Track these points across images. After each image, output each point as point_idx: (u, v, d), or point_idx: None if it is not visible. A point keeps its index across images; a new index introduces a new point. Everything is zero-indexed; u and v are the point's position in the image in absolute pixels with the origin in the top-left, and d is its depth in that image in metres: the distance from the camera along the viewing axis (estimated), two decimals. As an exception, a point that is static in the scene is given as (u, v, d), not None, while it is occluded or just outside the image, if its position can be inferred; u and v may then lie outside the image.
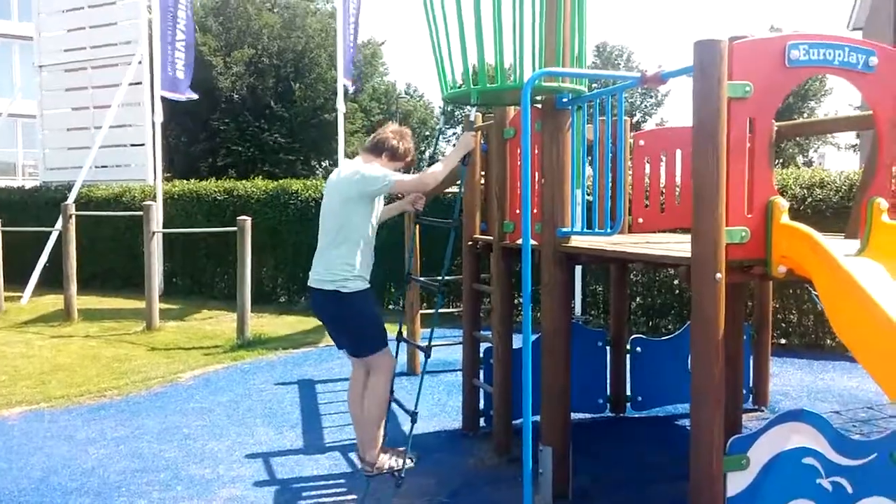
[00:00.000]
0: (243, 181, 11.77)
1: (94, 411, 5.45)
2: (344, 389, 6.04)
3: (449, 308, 8.73)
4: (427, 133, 63.36)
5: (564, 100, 3.43)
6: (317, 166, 35.25)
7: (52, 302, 10.31)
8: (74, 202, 10.52)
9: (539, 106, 3.61)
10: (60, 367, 6.84)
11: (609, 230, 3.33)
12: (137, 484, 4.03)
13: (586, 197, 3.67)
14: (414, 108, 61.72)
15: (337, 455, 4.50)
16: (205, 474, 4.15)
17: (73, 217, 9.35)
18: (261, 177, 12.51)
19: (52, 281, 10.54)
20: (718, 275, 2.60)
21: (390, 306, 10.33)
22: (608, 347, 5.23)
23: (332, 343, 4.17)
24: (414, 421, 3.62)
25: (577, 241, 3.66)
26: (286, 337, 8.21)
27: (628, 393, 5.26)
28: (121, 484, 4.04)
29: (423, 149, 63.61)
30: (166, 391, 6.01)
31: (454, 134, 51.78)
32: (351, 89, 12.45)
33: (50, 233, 10.88)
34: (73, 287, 9.32)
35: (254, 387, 6.13)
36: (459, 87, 3.50)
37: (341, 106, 10.92)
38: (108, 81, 12.70)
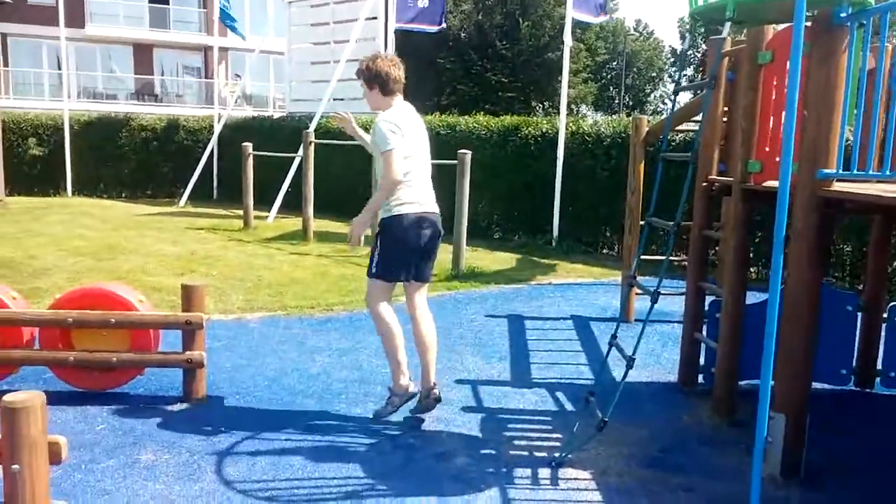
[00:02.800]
0: (465, 117, 11.91)
1: (322, 323, 5.87)
2: (554, 329, 5.98)
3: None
4: (653, 74, 60.06)
5: (843, 14, 2.90)
6: (537, 106, 35.01)
7: (293, 222, 11.30)
8: (314, 131, 11.32)
9: (808, 23, 3.09)
10: (296, 280, 7.46)
11: (890, 172, 2.79)
12: (356, 393, 4.27)
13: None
14: (642, 48, 58.66)
15: (543, 392, 4.43)
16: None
17: (312, 145, 10.07)
18: (482, 114, 12.57)
19: (294, 203, 11.52)
20: None
21: (604, 250, 10.01)
22: (859, 313, 4.56)
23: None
24: (629, 367, 3.41)
25: (842, 186, 3.14)
26: (498, 272, 8.27)
27: (879, 367, 4.59)
28: (341, 391, 4.30)
29: (648, 91, 60.42)
30: (385, 312, 6.31)
31: (686, 76, 48.40)
32: (599, 19, 11.86)
33: (293, 159, 11.85)
34: (310, 209, 10.10)
35: (465, 316, 6.24)
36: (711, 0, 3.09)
37: (568, 39, 10.52)
38: (348, 16, 13.37)
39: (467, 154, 8.10)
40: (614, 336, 3.74)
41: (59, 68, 29.32)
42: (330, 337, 5.47)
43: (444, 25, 12.52)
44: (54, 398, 3.92)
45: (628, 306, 6.12)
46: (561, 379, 4.69)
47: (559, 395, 4.36)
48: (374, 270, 3.80)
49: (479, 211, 10.84)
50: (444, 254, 9.46)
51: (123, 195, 16.37)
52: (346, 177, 12.63)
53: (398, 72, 3.77)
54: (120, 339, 3.98)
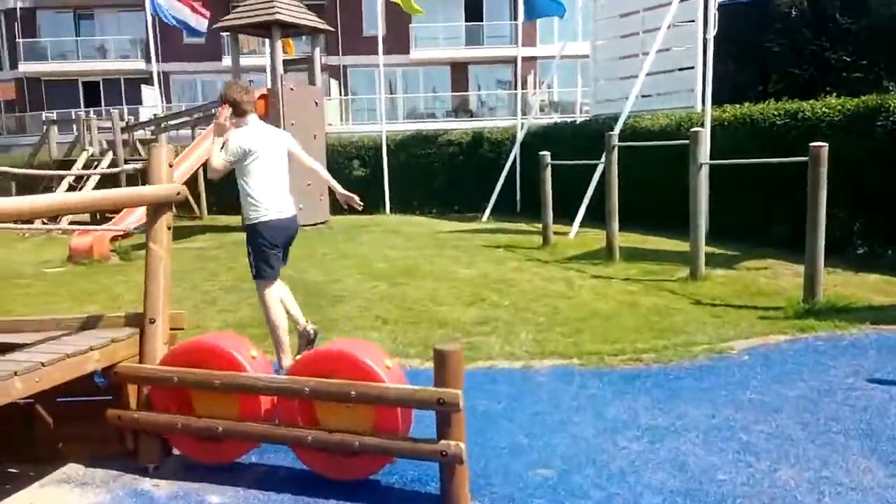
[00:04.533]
0: (810, 101, 9.53)
1: (628, 380, 4.54)
2: None
3: None
4: None
5: None
6: (889, 85, 29.08)
7: (596, 238, 10.07)
8: (619, 133, 9.97)
9: None
10: (597, 313, 6.22)
11: None
12: (676, 517, 2.90)
13: None
14: None
15: None
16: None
17: (616, 149, 8.73)
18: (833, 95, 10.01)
19: (600, 215, 10.30)
20: None
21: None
22: None
23: None
24: None
25: None
26: (872, 306, 6.10)
27: None
28: (653, 510, 2.96)
29: None
30: (714, 365, 4.76)
31: None
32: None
33: (596, 166, 10.63)
34: (615, 223, 8.77)
35: (836, 380, 4.40)
36: None
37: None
38: (658, 2, 11.77)
39: (824, 147, 6.10)
40: None
41: (392, 93, 32.13)
42: (637, 405, 4.12)
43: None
44: (291, 483, 3.21)
45: None
46: None
47: None
48: (258, 274, 4.64)
49: (834, 219, 8.47)
50: (788, 277, 7.52)
51: (434, 211, 16.68)
52: (658, 183, 11.02)
53: (247, 96, 4.62)
54: (364, 416, 3.14)
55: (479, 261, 9.09)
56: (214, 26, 13.66)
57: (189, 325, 6.48)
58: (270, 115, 12.49)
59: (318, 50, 13.22)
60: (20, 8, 32.44)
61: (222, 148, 4.52)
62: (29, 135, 30.38)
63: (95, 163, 15.44)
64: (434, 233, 12.23)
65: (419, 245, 10.71)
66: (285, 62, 14.26)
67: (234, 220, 13.94)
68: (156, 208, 3.54)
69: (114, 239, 10.60)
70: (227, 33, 14.38)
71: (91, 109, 28.58)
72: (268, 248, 4.55)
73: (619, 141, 8.95)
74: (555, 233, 10.34)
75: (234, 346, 3.36)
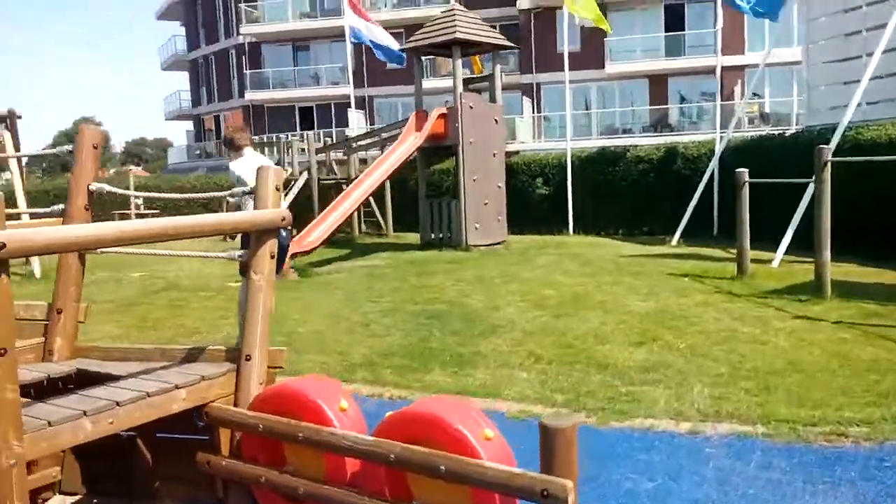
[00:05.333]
0: None
1: (827, 464, 3.52)
2: None
3: None
4: None
5: None
6: None
7: (804, 269, 8.63)
8: (837, 147, 8.49)
9: None
10: (795, 365, 5.11)
11: None
12: None
13: None
14: None
15: None
16: None
17: (829, 165, 7.36)
18: None
19: (808, 242, 8.85)
20: None
21: None
22: None
23: None
24: None
25: None
26: None
27: None
28: None
29: None
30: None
31: None
32: None
33: (806, 185, 9.17)
34: (826, 252, 7.38)
35: None
36: None
37: None
38: (889, -8, 10.02)
39: None
40: None
41: (587, 108, 31.25)
42: (842, 502, 3.12)
43: None
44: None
45: None
46: None
47: None
48: None
49: None
50: None
51: (620, 232, 15.65)
52: (886, 206, 9.28)
53: (241, 133, 6.06)
54: (459, 494, 2.56)
55: (658, 291, 8.11)
56: (400, 48, 13.87)
57: (333, 350, 6.35)
58: (449, 133, 12.36)
59: (498, 67, 12.89)
60: (248, 43, 35.94)
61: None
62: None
63: (293, 182, 16.34)
64: (615, 256, 11.31)
65: (596, 270, 9.89)
66: (471, 80, 14.14)
67: (416, 237, 14.00)
68: (259, 234, 3.25)
69: (293, 256, 10.95)
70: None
71: (305, 132, 30.78)
72: None
73: (835, 155, 7.57)
74: (754, 261, 9.02)
75: (323, 395, 2.94)
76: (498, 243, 12.83)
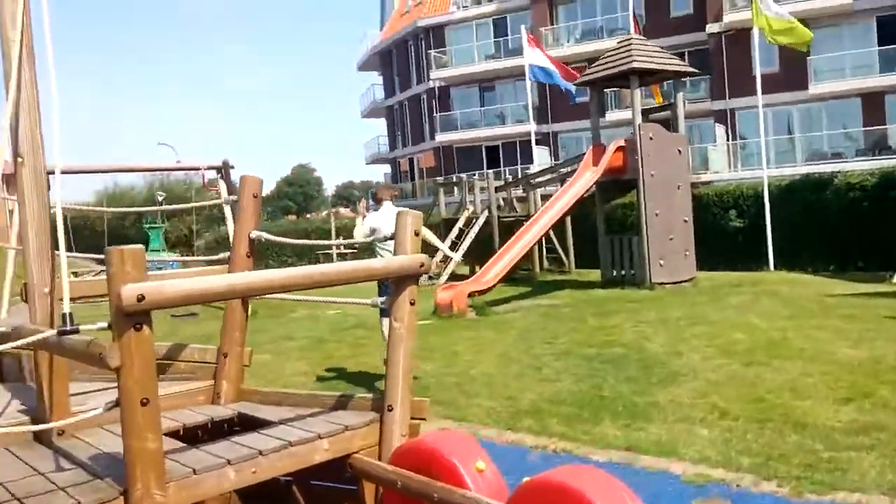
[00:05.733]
0: None
1: None
2: None
3: None
4: None
5: None
6: None
7: None
8: None
9: None
10: None
11: None
12: None
13: None
14: None
15: None
16: None
17: None
18: None
19: None
20: None
21: None
22: None
23: None
24: None
25: None
26: None
27: None
28: None
29: None
30: None
31: None
32: None
33: None
34: None
35: None
36: None
37: None
38: None
39: None
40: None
41: (789, 133, 28.82)
42: None
43: None
44: None
45: None
46: None
47: None
48: None
49: None
50: None
51: (830, 269, 14.03)
52: None
53: (386, 191, 7.12)
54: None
55: (874, 337, 7.06)
56: (575, 82, 13.65)
57: (501, 395, 6.16)
58: (629, 166, 11.88)
59: (681, 95, 12.22)
60: (438, 87, 37.53)
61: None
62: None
63: (473, 220, 16.57)
64: (821, 296, 10.10)
65: (797, 312, 8.86)
66: (652, 110, 13.58)
67: (598, 274, 13.50)
68: (398, 281, 3.18)
69: (471, 294, 10.98)
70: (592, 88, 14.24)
71: (487, 171, 31.37)
72: None
73: None
74: None
75: (459, 454, 2.77)
76: (685, 281, 12.00)
